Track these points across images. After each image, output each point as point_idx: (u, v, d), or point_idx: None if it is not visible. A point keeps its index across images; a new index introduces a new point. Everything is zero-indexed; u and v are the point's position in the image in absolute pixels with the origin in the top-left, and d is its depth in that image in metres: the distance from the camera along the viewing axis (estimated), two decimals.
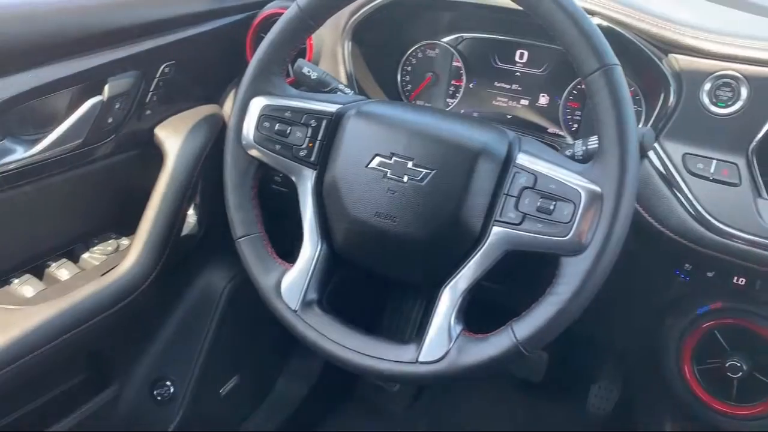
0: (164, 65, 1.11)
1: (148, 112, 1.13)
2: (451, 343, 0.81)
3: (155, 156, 1.15)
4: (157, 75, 1.11)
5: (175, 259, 1.16)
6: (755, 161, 0.93)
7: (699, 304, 1.04)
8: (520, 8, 0.82)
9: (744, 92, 0.95)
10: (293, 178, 0.91)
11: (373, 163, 0.85)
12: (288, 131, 0.91)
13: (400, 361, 0.83)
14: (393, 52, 1.27)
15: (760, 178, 0.94)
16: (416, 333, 0.86)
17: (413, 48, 1.26)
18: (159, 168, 1.14)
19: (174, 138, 1.15)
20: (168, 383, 1.32)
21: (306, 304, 0.88)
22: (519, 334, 0.78)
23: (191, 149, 1.16)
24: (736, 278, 0.99)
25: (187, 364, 1.33)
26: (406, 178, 0.84)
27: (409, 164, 0.84)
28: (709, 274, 1.00)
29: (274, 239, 0.94)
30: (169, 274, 1.15)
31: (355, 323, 0.89)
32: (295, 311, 0.88)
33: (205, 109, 1.24)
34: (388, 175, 0.84)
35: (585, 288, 0.76)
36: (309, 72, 1.05)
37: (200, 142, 1.17)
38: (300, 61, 1.06)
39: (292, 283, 0.89)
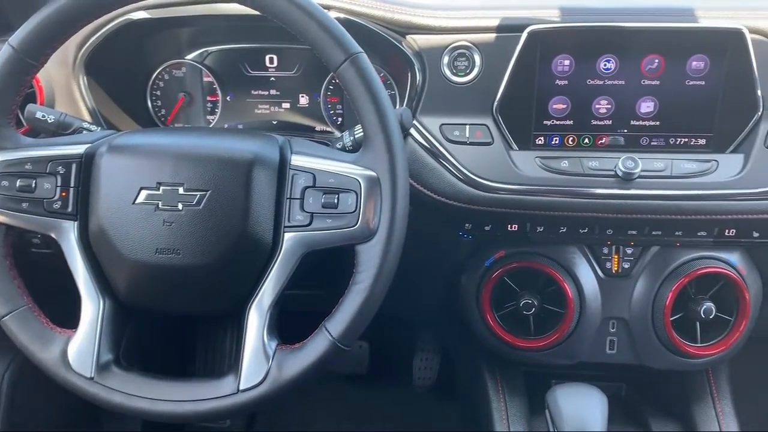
0: None
1: None
2: (270, 362, 0.79)
3: None
4: None
5: None
6: (500, 119, 1.03)
7: (485, 257, 1.12)
8: (258, 13, 0.81)
9: (477, 59, 1.04)
10: (53, 235, 0.81)
11: (141, 198, 0.79)
12: (33, 185, 0.81)
13: (221, 396, 0.78)
14: (136, 78, 1.19)
15: (508, 133, 1.03)
16: (234, 362, 0.82)
17: (158, 71, 1.20)
18: None
19: None
20: None
21: (102, 367, 0.80)
22: (334, 331, 0.78)
23: None
24: (509, 226, 1.08)
25: None
26: (180, 206, 0.79)
27: (180, 190, 0.79)
28: (487, 228, 1.09)
29: (51, 307, 0.84)
30: None
31: (166, 370, 0.82)
32: (91, 379, 0.79)
33: None
34: (160, 206, 0.79)
35: (383, 270, 0.78)
36: (44, 116, 0.94)
37: None
38: (31, 106, 0.95)
39: (79, 349, 0.80)
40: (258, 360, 0.79)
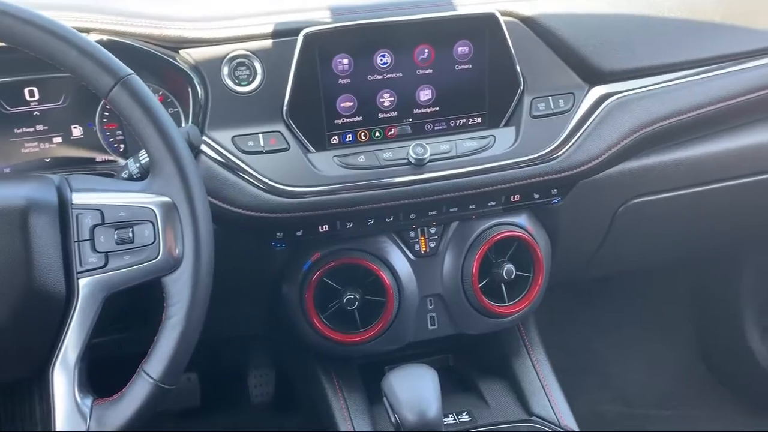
0: None
1: None
2: (88, 421, 0.73)
3: None
4: None
5: None
6: (292, 123, 1.03)
7: (302, 262, 1.12)
8: (5, 45, 0.73)
9: (258, 67, 1.03)
10: None
11: None
12: None
13: None
14: None
15: (302, 137, 1.04)
16: (46, 430, 0.74)
17: None
18: None
19: None
20: None
21: None
22: (153, 373, 0.74)
23: None
24: (320, 227, 1.09)
25: None
26: None
27: None
28: (299, 234, 1.09)
29: None
30: None
31: None
32: None
33: None
34: None
35: (196, 298, 0.75)
36: None
37: None
38: None
39: None
40: (73, 422, 0.72)
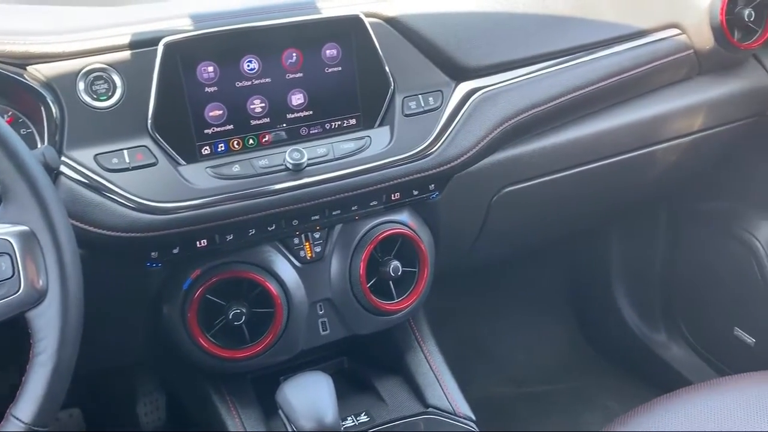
0: None
1: None
2: None
3: None
4: None
5: None
6: (159, 136, 0.98)
7: (182, 281, 1.07)
8: None
9: (117, 80, 0.98)
10: None
11: None
12: None
13: None
14: None
15: (171, 149, 1.00)
16: None
17: None
18: None
19: None
20: None
21: None
22: (23, 416, 0.68)
23: None
24: (198, 242, 1.05)
25: None
26: None
27: None
28: (175, 251, 1.04)
29: None
30: None
31: None
32: None
33: None
34: None
35: (67, 331, 0.70)
36: None
37: None
38: None
39: None
40: None
